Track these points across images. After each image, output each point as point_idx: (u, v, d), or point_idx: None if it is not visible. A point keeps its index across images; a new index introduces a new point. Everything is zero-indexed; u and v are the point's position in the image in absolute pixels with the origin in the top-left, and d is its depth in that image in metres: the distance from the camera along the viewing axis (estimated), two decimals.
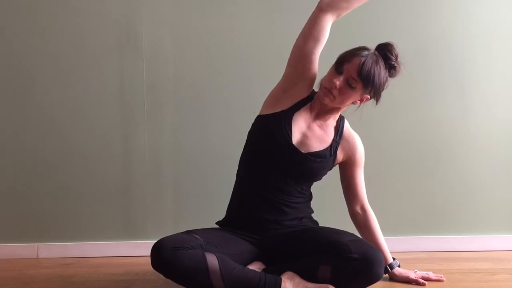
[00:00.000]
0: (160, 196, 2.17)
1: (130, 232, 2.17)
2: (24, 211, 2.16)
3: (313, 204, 1.71)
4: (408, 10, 2.18)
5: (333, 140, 1.61)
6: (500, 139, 2.18)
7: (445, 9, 2.19)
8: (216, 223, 1.66)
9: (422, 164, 2.18)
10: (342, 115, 1.68)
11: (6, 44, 2.17)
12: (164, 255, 1.35)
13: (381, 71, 1.52)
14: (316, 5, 1.56)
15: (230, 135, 2.14)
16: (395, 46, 1.57)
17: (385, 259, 1.60)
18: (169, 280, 1.41)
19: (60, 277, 1.79)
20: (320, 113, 1.60)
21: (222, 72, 2.17)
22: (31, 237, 2.16)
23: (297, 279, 1.42)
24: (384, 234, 1.71)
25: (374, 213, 1.73)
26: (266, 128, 1.57)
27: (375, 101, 1.59)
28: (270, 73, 2.16)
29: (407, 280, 1.61)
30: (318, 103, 1.59)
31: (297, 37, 1.61)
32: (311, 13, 1.56)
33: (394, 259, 1.67)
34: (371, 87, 1.52)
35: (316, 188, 1.69)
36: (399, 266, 1.66)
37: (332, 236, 1.48)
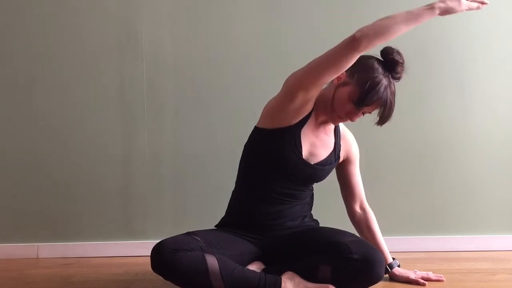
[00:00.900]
0: (160, 196, 2.17)
1: (130, 232, 2.17)
2: (24, 211, 2.16)
3: (314, 204, 1.71)
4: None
5: (335, 143, 1.62)
6: (500, 139, 2.18)
7: None
8: (215, 227, 1.66)
9: (422, 164, 2.18)
10: None
11: (6, 44, 2.17)
12: (164, 257, 1.35)
13: (395, 98, 1.51)
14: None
15: (230, 135, 2.14)
16: (403, 59, 1.51)
17: (385, 259, 1.60)
18: None
19: (60, 277, 1.79)
20: (325, 121, 1.59)
21: (222, 72, 2.17)
22: (31, 237, 2.16)
23: (298, 279, 1.42)
24: (384, 234, 1.71)
25: (375, 213, 1.73)
26: (275, 143, 1.52)
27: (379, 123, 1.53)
28: (270, 73, 2.17)
29: (407, 280, 1.61)
30: (323, 114, 1.56)
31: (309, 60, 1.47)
32: (341, 46, 1.38)
33: (393, 259, 1.67)
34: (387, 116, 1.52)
35: (316, 188, 1.69)
36: (398, 266, 1.66)
37: (333, 236, 1.48)
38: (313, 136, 1.56)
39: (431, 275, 1.63)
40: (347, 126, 1.70)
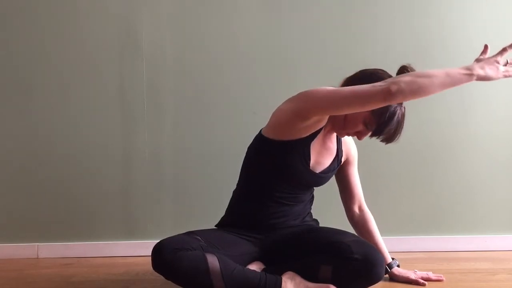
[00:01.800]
0: (160, 196, 2.17)
1: (130, 232, 2.17)
2: (24, 211, 2.16)
3: (314, 204, 1.71)
4: (408, 11, 2.18)
5: (338, 149, 1.63)
6: (500, 139, 2.18)
7: (445, 10, 2.19)
8: (216, 226, 1.66)
9: (422, 164, 2.18)
10: None
11: (6, 44, 2.17)
12: (165, 257, 1.35)
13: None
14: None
15: (230, 135, 2.14)
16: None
17: (384, 259, 1.60)
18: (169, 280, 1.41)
19: (60, 277, 1.79)
20: (331, 130, 1.58)
21: (222, 72, 2.17)
22: (31, 237, 2.16)
23: (298, 279, 1.42)
24: (384, 234, 1.71)
25: (374, 213, 1.73)
26: (283, 155, 1.51)
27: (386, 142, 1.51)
28: (271, 73, 2.17)
29: (407, 281, 1.61)
30: (332, 127, 1.56)
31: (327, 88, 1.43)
32: (373, 93, 1.31)
33: (393, 259, 1.67)
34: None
35: (316, 188, 1.69)
36: (398, 266, 1.66)
37: (333, 237, 1.48)
38: (320, 145, 1.56)
39: (431, 275, 1.63)
40: None
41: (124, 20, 2.17)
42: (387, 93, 1.28)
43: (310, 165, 1.54)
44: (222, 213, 1.68)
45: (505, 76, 1.34)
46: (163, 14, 2.18)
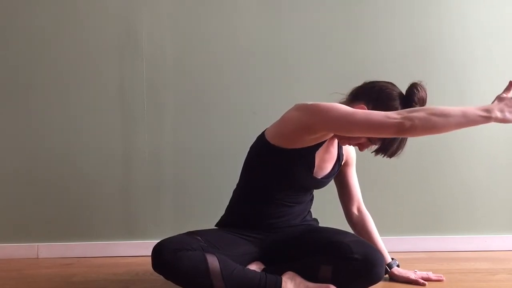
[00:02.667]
0: (160, 196, 2.17)
1: (130, 232, 2.17)
2: (24, 211, 2.16)
3: (314, 204, 1.71)
4: (408, 11, 2.18)
5: (338, 153, 1.63)
6: (499, 140, 2.18)
7: (444, 10, 2.19)
8: (216, 225, 1.66)
9: (422, 164, 2.18)
10: None
11: (6, 44, 2.17)
12: (165, 257, 1.35)
13: None
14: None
15: (230, 135, 2.14)
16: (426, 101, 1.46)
17: (384, 259, 1.60)
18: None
19: (60, 277, 1.79)
20: (333, 137, 1.57)
21: (222, 72, 2.17)
22: (31, 237, 2.16)
23: (298, 279, 1.42)
24: (384, 234, 1.72)
25: (375, 213, 1.73)
26: (288, 162, 1.51)
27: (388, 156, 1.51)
28: (271, 73, 2.17)
29: (407, 281, 1.61)
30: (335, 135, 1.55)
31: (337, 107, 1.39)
32: (385, 123, 1.29)
33: (392, 259, 1.67)
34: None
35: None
36: (398, 266, 1.66)
37: (333, 237, 1.48)
38: (323, 152, 1.56)
39: (431, 275, 1.63)
40: None
41: (124, 20, 2.17)
42: (400, 128, 1.27)
43: (314, 172, 1.54)
44: (222, 213, 1.68)
45: None
46: (163, 14, 2.18)
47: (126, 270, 1.88)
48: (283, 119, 1.51)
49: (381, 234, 1.71)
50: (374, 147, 1.50)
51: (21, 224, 2.17)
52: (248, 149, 1.63)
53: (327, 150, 1.57)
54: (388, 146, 1.46)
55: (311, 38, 2.17)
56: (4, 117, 2.17)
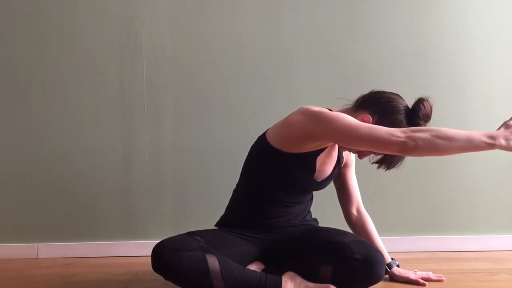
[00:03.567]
0: (160, 196, 2.17)
1: (130, 232, 2.17)
2: (24, 211, 2.16)
3: (313, 203, 1.71)
4: (408, 11, 2.18)
5: (338, 155, 1.63)
6: None
7: (445, 10, 2.19)
8: (215, 225, 1.66)
9: (422, 164, 2.18)
10: None
11: (6, 44, 2.17)
12: (165, 257, 1.35)
13: None
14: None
15: (230, 135, 2.14)
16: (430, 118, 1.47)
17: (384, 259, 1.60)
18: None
19: (60, 277, 1.79)
20: None
21: (222, 72, 2.17)
22: (31, 237, 2.16)
23: (298, 279, 1.42)
24: (384, 234, 1.72)
25: (374, 213, 1.73)
26: (289, 166, 1.50)
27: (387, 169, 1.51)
28: (271, 73, 2.17)
29: (407, 281, 1.60)
30: None
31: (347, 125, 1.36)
32: (388, 141, 1.28)
33: (392, 259, 1.67)
34: None
35: None
36: (398, 266, 1.66)
37: (333, 237, 1.48)
38: (325, 155, 1.56)
39: (431, 275, 1.63)
40: None
41: (124, 20, 2.17)
42: (403, 148, 1.27)
43: (315, 175, 1.54)
44: (222, 213, 1.68)
45: None
46: (163, 14, 2.18)
47: (126, 270, 1.88)
48: (286, 122, 1.50)
49: (381, 234, 1.71)
50: (374, 156, 1.50)
51: (21, 224, 2.17)
52: (248, 149, 1.63)
53: (328, 154, 1.57)
54: (389, 160, 1.46)
55: (311, 38, 2.17)
56: (4, 117, 2.17)
